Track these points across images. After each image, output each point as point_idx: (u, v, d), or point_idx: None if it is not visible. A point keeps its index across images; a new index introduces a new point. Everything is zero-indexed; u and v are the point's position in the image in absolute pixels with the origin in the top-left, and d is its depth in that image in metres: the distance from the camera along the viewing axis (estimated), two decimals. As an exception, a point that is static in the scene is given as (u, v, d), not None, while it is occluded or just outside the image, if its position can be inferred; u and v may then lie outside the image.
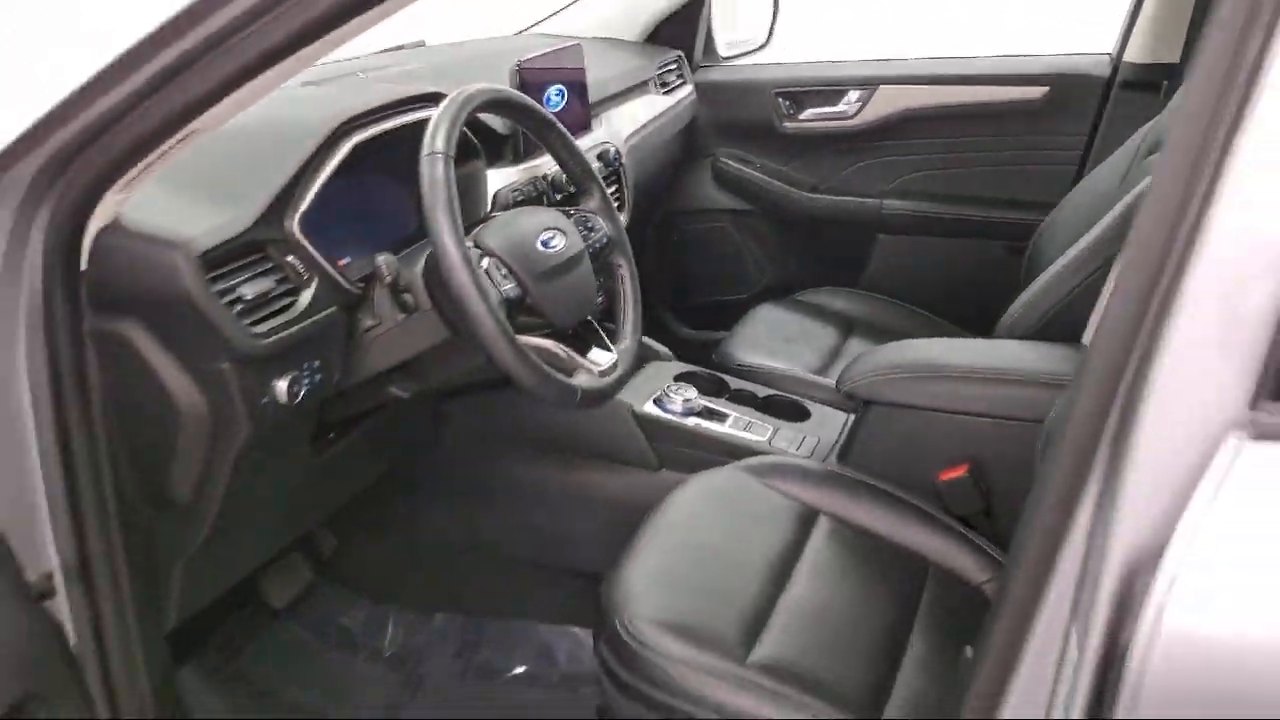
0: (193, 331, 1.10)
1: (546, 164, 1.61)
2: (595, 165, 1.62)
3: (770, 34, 2.62)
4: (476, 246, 1.25)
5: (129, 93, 0.88)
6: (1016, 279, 1.75)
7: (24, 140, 0.91)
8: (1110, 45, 2.12)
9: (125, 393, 1.11)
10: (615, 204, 1.72)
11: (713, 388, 1.79)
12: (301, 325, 1.18)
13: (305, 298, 1.20)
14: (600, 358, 1.36)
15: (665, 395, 1.71)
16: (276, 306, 1.17)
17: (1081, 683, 0.71)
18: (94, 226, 1.00)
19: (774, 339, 2.03)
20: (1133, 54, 2.05)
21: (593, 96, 1.89)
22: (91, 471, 1.00)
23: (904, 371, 1.52)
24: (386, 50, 2.00)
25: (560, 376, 1.24)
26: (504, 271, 1.25)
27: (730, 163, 2.46)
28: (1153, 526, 0.67)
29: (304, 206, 1.20)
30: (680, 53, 2.40)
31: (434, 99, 1.37)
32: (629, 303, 1.45)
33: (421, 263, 1.25)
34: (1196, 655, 0.65)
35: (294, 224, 1.19)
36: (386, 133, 1.33)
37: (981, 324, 1.76)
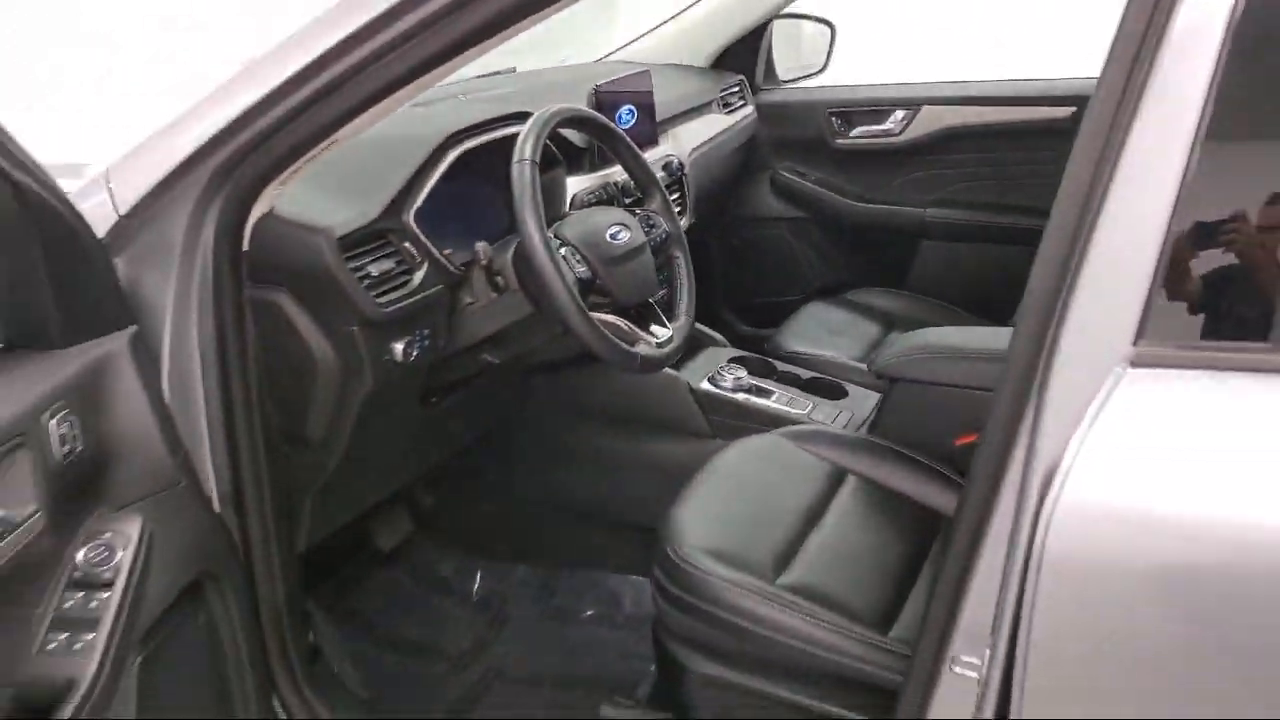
0: (330, 300, 1.35)
1: (616, 172, 1.84)
2: (660, 174, 1.84)
3: (828, 60, 2.82)
4: (556, 237, 1.48)
5: (287, 110, 1.11)
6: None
7: (203, 150, 1.14)
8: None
9: (274, 349, 1.36)
10: (678, 208, 1.95)
11: (761, 369, 2.00)
12: (415, 299, 1.43)
13: (418, 277, 1.45)
14: (658, 333, 1.58)
15: (719, 374, 1.93)
16: (396, 283, 1.42)
17: (1015, 566, 0.91)
18: (254, 216, 1.21)
19: (821, 331, 2.24)
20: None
21: (660, 115, 2.12)
22: (245, 411, 1.23)
23: (927, 353, 1.70)
24: (481, 76, 2.25)
25: (623, 344, 1.46)
26: (578, 258, 1.48)
27: (787, 175, 2.66)
28: (1063, 435, 0.87)
29: (418, 203, 1.45)
30: (742, 77, 2.61)
31: (523, 116, 1.61)
32: (684, 288, 1.67)
33: (511, 250, 1.49)
34: (1084, 528, 0.85)
35: (410, 217, 1.44)
36: (484, 144, 1.58)
37: (1012, 320, 1.93)
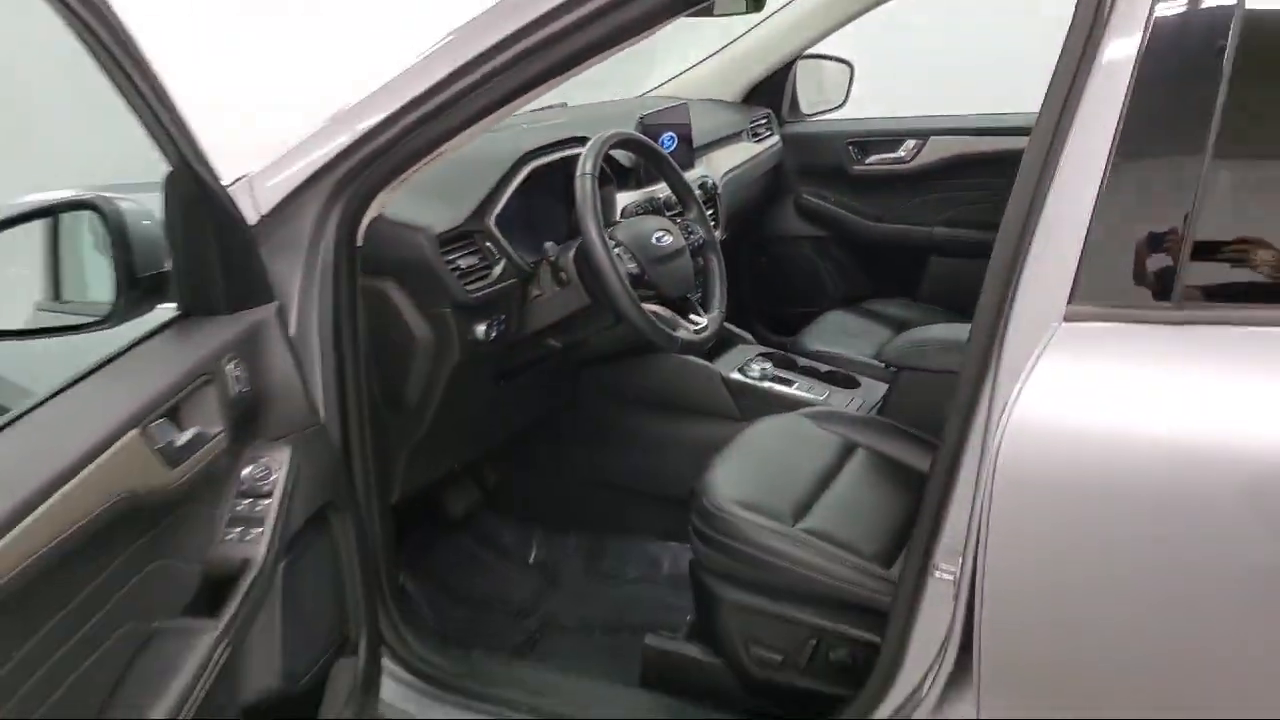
0: (428, 287, 1.61)
1: (660, 189, 2.10)
2: (696, 192, 2.10)
3: (847, 96, 3.07)
4: (610, 239, 1.73)
5: (396, 133, 1.35)
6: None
7: (328, 164, 1.39)
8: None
9: (380, 328, 1.61)
10: (711, 221, 2.20)
11: (784, 363, 2.24)
12: (494, 288, 1.68)
13: (496, 270, 1.70)
14: (695, 321, 1.83)
15: (747, 366, 2.17)
16: (479, 275, 1.68)
17: (980, 490, 1.13)
18: (368, 218, 1.45)
19: (839, 334, 2.47)
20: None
21: (696, 142, 2.37)
22: (354, 379, 1.47)
23: (929, 344, 1.93)
24: (536, 110, 2.51)
25: (666, 329, 1.71)
26: (629, 257, 1.73)
27: (810, 198, 2.91)
28: (1013, 377, 1.10)
29: (497, 210, 1.71)
30: (770, 110, 2.87)
31: (582, 140, 1.87)
32: (716, 285, 1.92)
33: (574, 250, 1.74)
34: (1024, 450, 1.07)
35: (491, 221, 1.70)
36: (550, 163, 1.84)
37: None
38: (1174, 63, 1.05)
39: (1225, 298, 1.06)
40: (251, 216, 1.38)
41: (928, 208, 2.76)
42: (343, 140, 1.38)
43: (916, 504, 1.71)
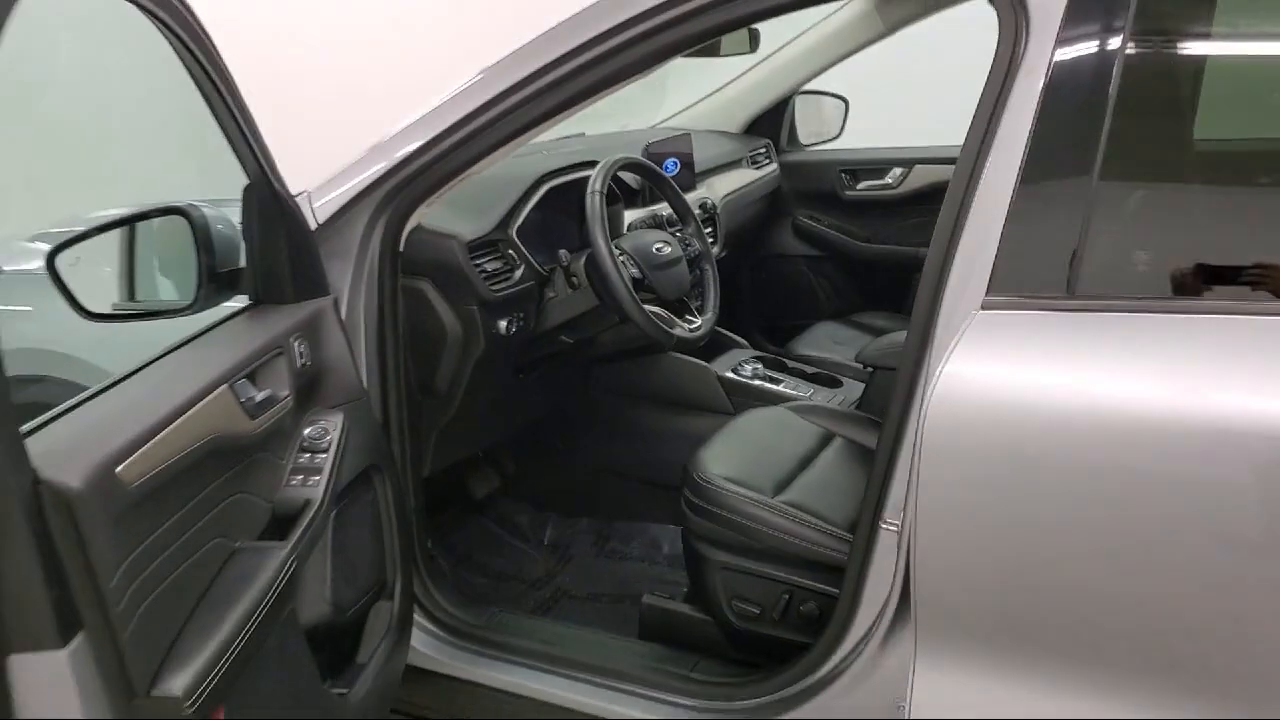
0: (458, 286, 1.84)
1: (663, 207, 2.33)
2: (696, 211, 2.33)
3: (842, 128, 3.30)
4: (616, 248, 1.96)
5: (433, 157, 1.59)
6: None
7: (375, 183, 1.62)
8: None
9: (416, 321, 1.84)
10: (711, 239, 2.43)
11: (775, 365, 2.46)
12: (514, 289, 1.92)
13: (517, 274, 1.94)
14: (690, 321, 2.06)
15: (740, 366, 2.38)
16: (502, 277, 1.91)
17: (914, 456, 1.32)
18: (408, 228, 1.69)
19: (827, 342, 2.69)
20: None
21: (698, 168, 2.61)
22: (395, 363, 1.69)
23: (899, 347, 2.14)
24: (559, 139, 2.76)
25: (664, 326, 1.93)
26: (632, 263, 1.96)
27: (806, 221, 3.14)
28: (939, 358, 1.31)
29: (518, 222, 1.95)
30: (769, 141, 3.11)
31: (593, 164, 2.10)
32: (710, 290, 2.15)
33: (584, 258, 1.97)
34: (943, 420, 1.25)
35: (513, 231, 1.94)
36: (565, 182, 2.08)
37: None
38: (1068, 100, 1.26)
39: (1111, 290, 1.26)
40: (311, 224, 1.62)
41: (913, 230, 2.96)
42: (385, 164, 1.62)
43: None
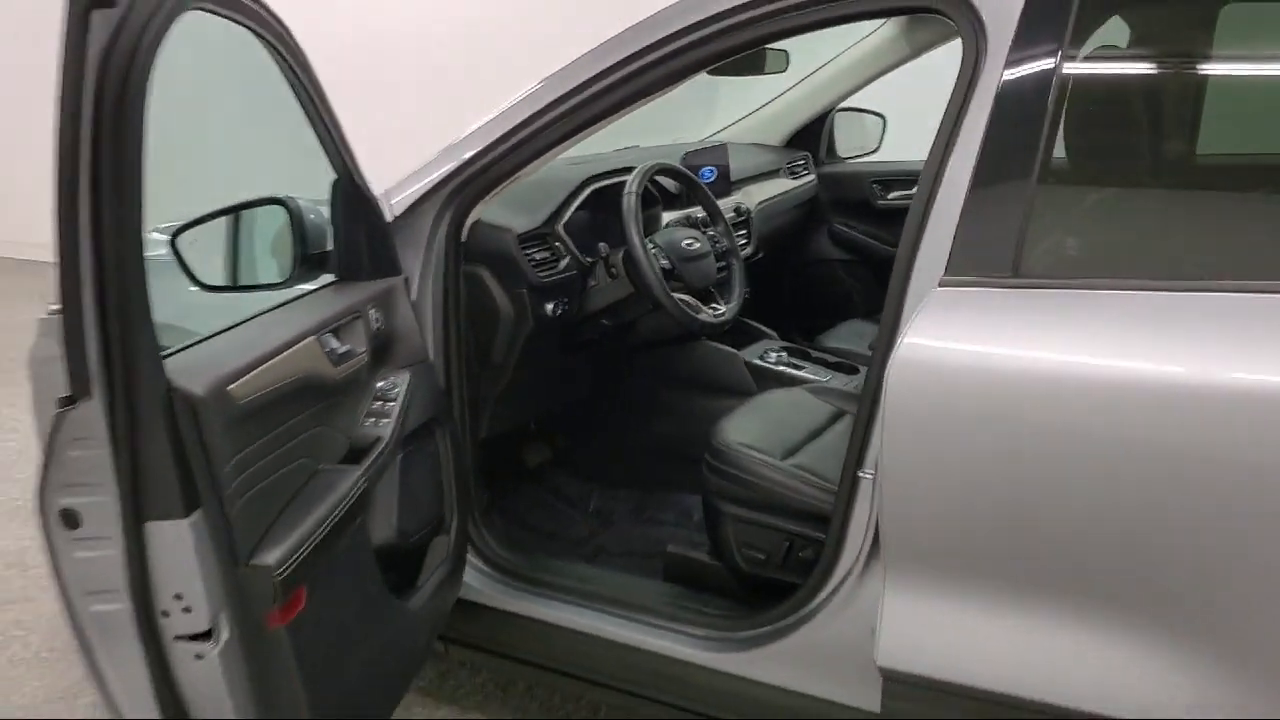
0: (511, 272, 2.10)
1: (696, 210, 2.57)
2: (730, 214, 2.56)
3: (879, 143, 3.51)
4: (650, 242, 2.21)
5: (491, 159, 1.84)
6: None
7: (441, 182, 1.87)
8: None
9: (475, 302, 2.10)
10: (744, 241, 2.66)
11: (798, 353, 2.68)
12: (560, 276, 2.18)
13: (562, 264, 2.20)
14: (716, 309, 2.29)
15: (766, 353, 2.61)
16: (549, 266, 2.17)
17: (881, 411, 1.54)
18: (469, 221, 1.94)
19: (852, 335, 2.89)
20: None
21: (735, 176, 2.85)
22: (457, 342, 1.95)
23: None
24: (617, 151, 3.00)
25: (691, 313, 2.17)
26: (663, 256, 2.21)
27: (841, 227, 3.35)
28: (904, 327, 1.52)
29: (565, 219, 2.21)
30: (808, 153, 3.33)
31: (632, 169, 2.35)
32: (735, 281, 2.38)
33: (622, 251, 2.23)
34: (901, 382, 1.44)
35: (560, 226, 2.20)
36: (608, 185, 2.34)
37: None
38: (1013, 114, 1.44)
39: (1048, 271, 1.45)
40: (387, 217, 1.89)
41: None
42: (450, 167, 1.88)
43: None
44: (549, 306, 2.18)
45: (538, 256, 2.15)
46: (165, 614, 1.25)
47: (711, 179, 2.73)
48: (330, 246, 1.80)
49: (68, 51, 1.05)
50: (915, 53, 2.89)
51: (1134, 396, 1.32)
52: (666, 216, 2.52)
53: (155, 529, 1.21)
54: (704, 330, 2.22)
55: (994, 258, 1.46)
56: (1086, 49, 1.47)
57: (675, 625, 1.90)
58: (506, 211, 2.13)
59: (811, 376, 2.54)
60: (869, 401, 1.61)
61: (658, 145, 3.13)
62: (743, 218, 2.80)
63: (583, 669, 1.99)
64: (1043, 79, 1.45)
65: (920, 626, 1.55)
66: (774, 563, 1.93)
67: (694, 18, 1.67)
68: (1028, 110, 1.45)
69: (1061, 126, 1.44)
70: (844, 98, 3.24)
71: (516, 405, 2.39)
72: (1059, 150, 1.45)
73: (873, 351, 1.61)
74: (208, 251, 1.84)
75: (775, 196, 3.05)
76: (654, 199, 2.47)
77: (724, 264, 2.37)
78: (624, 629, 1.92)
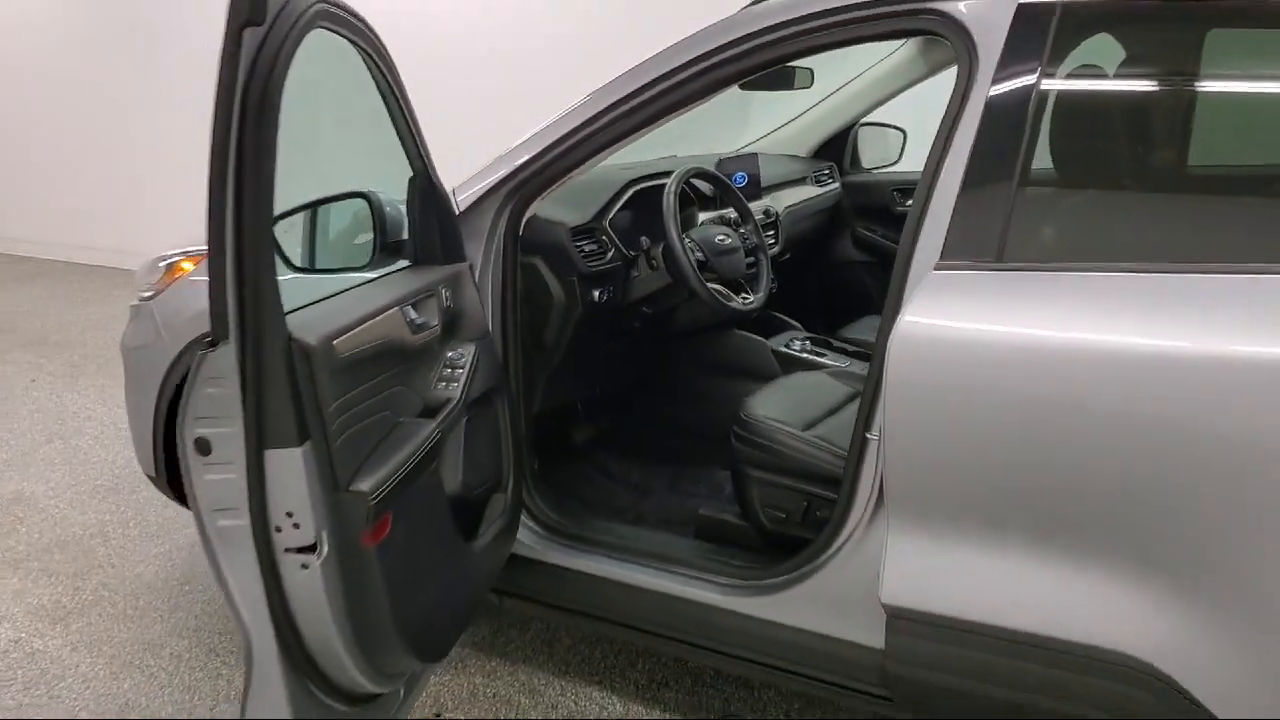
0: (563, 262, 2.33)
1: (730, 211, 2.78)
2: (760, 216, 2.77)
3: (900, 156, 3.70)
4: (686, 237, 2.42)
5: (547, 161, 2.06)
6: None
7: (501, 181, 2.09)
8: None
9: (530, 290, 2.33)
10: (771, 239, 2.87)
11: (821, 342, 2.88)
12: (606, 266, 2.40)
13: (608, 255, 2.42)
14: (745, 298, 2.50)
15: (791, 342, 2.81)
16: (596, 257, 2.39)
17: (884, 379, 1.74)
18: (526, 216, 2.15)
19: (871, 328, 3.08)
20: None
21: (765, 182, 3.06)
22: (513, 323, 2.16)
23: None
24: (656, 159, 3.23)
25: (722, 299, 2.38)
26: (697, 249, 2.42)
27: (863, 232, 3.55)
28: (903, 307, 1.72)
29: (611, 215, 2.43)
30: (833, 163, 3.54)
31: (670, 173, 2.57)
32: (763, 274, 2.59)
33: (661, 244, 2.44)
34: (899, 357, 1.66)
35: (606, 222, 2.42)
36: (649, 186, 2.56)
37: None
38: (999, 122, 1.64)
39: (1026, 257, 1.62)
40: (455, 211, 2.12)
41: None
42: (509, 168, 2.09)
43: None
44: (596, 293, 2.40)
45: (587, 248, 2.37)
46: (278, 529, 1.48)
47: (743, 184, 2.95)
48: (406, 235, 2.03)
49: (224, 58, 1.29)
50: (931, 72, 3.08)
51: (1099, 362, 1.50)
52: (701, 216, 2.74)
53: (273, 456, 1.44)
54: (734, 317, 2.43)
55: (981, 246, 1.64)
56: (1065, 69, 1.66)
57: (704, 575, 2.09)
58: (559, 208, 2.36)
59: (832, 363, 2.74)
60: (877, 371, 1.80)
61: (693, 155, 3.36)
62: (771, 219, 3.01)
63: (623, 616, 2.19)
64: (1024, 94, 1.64)
65: (919, 567, 1.72)
66: (794, 520, 2.13)
67: (723, 39, 1.89)
68: (1011, 120, 1.64)
69: (1040, 135, 1.64)
70: (866, 113, 3.45)
71: (565, 386, 2.61)
72: (1038, 154, 1.64)
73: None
74: (288, 239, 2.09)
75: (802, 201, 3.26)
76: (690, 200, 2.68)
77: (753, 259, 2.58)
78: (659, 579, 2.11)
